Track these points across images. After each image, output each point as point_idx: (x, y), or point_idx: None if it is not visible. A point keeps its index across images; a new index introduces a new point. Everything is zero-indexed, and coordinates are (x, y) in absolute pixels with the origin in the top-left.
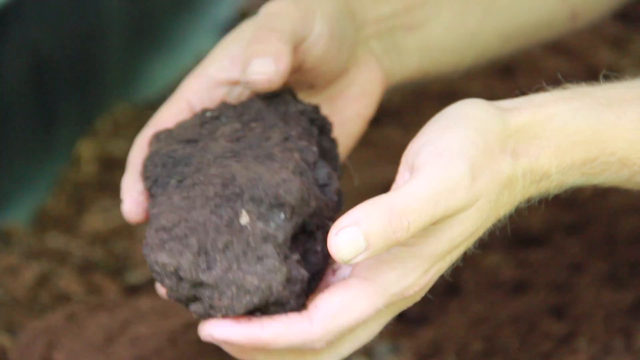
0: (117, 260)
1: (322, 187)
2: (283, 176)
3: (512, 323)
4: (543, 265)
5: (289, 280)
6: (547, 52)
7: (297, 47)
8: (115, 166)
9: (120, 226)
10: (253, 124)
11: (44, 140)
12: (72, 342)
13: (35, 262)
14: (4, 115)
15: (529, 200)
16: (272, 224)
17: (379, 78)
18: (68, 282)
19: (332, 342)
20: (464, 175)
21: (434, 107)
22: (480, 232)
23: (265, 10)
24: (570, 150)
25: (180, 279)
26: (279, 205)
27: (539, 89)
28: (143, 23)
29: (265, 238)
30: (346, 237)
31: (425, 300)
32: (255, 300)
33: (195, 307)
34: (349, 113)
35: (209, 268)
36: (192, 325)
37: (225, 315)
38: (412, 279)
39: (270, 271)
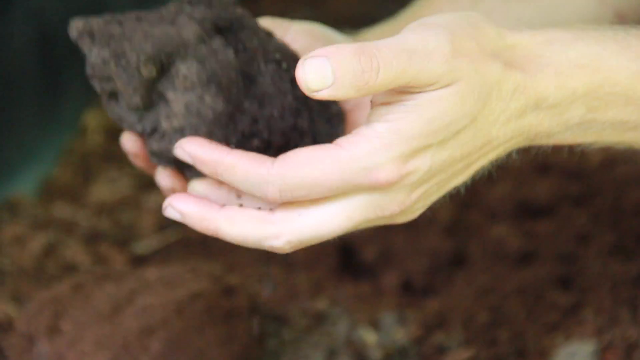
0: (123, 230)
1: None
2: None
3: (519, 294)
4: (550, 236)
5: None
6: None
7: None
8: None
9: (127, 196)
10: None
11: (51, 111)
12: (79, 312)
13: (41, 232)
14: (11, 85)
15: (528, 139)
16: None
17: None
18: (75, 252)
19: (286, 194)
20: (443, 43)
21: None
22: (469, 145)
23: None
24: (572, 75)
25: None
26: None
27: None
28: None
29: None
30: (314, 66)
31: (431, 271)
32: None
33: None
34: None
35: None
36: (199, 296)
37: None
38: (384, 157)
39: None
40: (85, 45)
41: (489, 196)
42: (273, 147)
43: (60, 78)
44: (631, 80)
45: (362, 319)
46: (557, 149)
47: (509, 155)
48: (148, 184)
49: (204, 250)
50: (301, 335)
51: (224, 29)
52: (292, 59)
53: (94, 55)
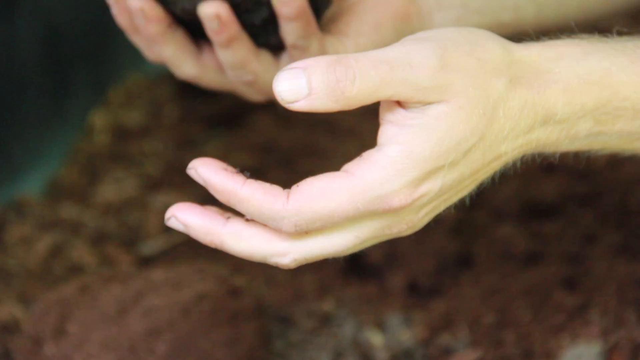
0: (129, 231)
1: None
2: None
3: (525, 295)
4: (556, 236)
5: None
6: None
7: None
8: (128, 136)
9: (133, 197)
10: None
11: (57, 111)
12: (85, 314)
13: (48, 232)
14: (17, 85)
15: (536, 149)
16: None
17: None
18: (81, 253)
19: (301, 227)
20: (430, 57)
21: None
22: (478, 162)
23: None
24: (580, 91)
25: None
26: None
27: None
28: None
29: None
30: (290, 76)
31: (437, 272)
32: None
33: None
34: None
35: None
36: (205, 297)
37: None
38: (398, 184)
39: None
40: None
41: (494, 196)
42: None
43: (66, 78)
44: None
45: (368, 320)
46: (563, 153)
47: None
48: (154, 185)
49: (210, 251)
50: (307, 336)
51: None
52: None
53: None
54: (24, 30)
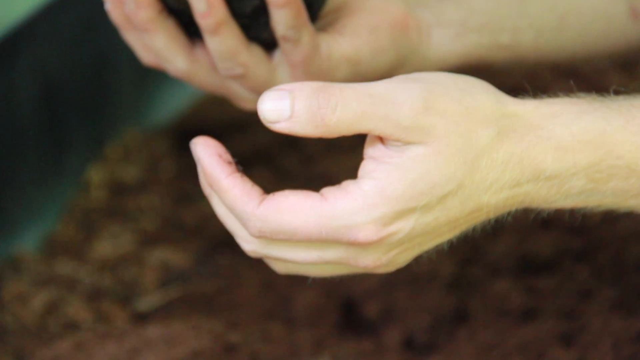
0: (125, 287)
1: None
2: None
3: (521, 351)
4: (552, 291)
5: None
6: (555, 74)
7: None
8: (125, 192)
9: (129, 253)
10: None
11: (54, 166)
12: None
13: (44, 289)
14: (14, 140)
15: (524, 204)
16: None
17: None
18: (77, 309)
19: (265, 234)
20: (415, 98)
21: None
22: (456, 210)
23: None
24: (573, 149)
25: None
26: None
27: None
28: None
29: None
30: (275, 96)
31: (433, 327)
32: None
33: None
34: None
35: None
36: (200, 354)
37: None
38: (366, 218)
39: None
40: None
41: (490, 251)
42: None
43: (63, 133)
44: (634, 154)
45: None
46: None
47: (508, 212)
48: (150, 240)
49: (206, 307)
50: None
51: None
52: None
53: None
54: (22, 85)
